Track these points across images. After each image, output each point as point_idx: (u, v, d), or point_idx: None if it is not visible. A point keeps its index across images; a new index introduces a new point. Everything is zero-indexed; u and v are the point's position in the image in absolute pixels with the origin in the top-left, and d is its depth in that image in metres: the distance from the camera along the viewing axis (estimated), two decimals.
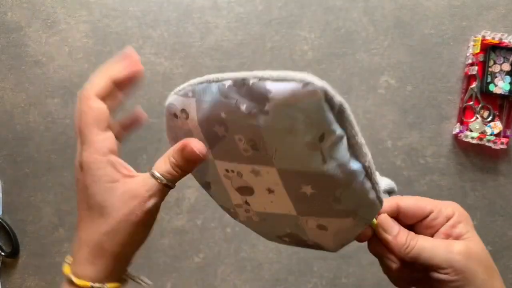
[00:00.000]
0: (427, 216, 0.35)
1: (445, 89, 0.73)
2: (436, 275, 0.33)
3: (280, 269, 0.76)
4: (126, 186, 0.31)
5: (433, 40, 0.73)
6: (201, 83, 0.31)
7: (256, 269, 0.76)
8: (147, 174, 0.32)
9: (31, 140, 0.78)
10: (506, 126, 0.71)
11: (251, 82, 0.27)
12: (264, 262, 0.76)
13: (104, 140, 0.32)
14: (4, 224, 0.77)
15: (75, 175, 0.33)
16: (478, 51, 0.70)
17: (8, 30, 0.77)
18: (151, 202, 0.31)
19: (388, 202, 0.36)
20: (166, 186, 0.32)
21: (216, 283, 0.76)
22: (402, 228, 0.35)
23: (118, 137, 0.34)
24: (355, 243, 0.38)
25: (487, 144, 0.71)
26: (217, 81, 0.30)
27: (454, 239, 0.33)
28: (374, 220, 0.36)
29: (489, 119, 0.71)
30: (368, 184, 0.32)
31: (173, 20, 0.76)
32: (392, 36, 0.74)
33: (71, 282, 0.32)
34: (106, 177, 0.31)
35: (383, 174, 0.40)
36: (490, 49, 0.70)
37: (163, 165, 0.32)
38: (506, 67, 0.70)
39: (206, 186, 0.39)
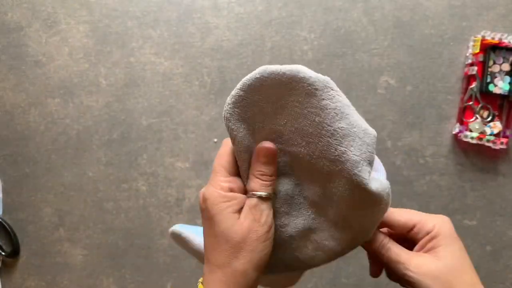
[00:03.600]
0: (412, 229, 0.39)
1: (445, 89, 0.74)
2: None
3: None
4: (243, 213, 0.37)
5: (433, 40, 0.73)
6: None
7: None
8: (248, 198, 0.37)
9: (31, 140, 0.78)
10: (505, 126, 0.71)
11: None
12: None
13: (228, 181, 0.37)
14: (4, 224, 0.78)
15: (200, 205, 0.38)
16: (478, 51, 0.71)
17: (8, 30, 0.77)
18: (263, 218, 0.36)
19: None
20: (266, 198, 0.37)
21: None
22: (380, 234, 0.40)
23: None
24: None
25: (486, 144, 0.71)
26: None
27: (425, 252, 0.38)
28: None
29: (488, 119, 0.72)
30: None
31: (173, 20, 0.76)
32: (392, 36, 0.74)
33: None
34: (229, 208, 0.36)
35: None
36: (490, 49, 0.70)
37: (252, 183, 0.37)
38: (506, 67, 0.70)
39: None
